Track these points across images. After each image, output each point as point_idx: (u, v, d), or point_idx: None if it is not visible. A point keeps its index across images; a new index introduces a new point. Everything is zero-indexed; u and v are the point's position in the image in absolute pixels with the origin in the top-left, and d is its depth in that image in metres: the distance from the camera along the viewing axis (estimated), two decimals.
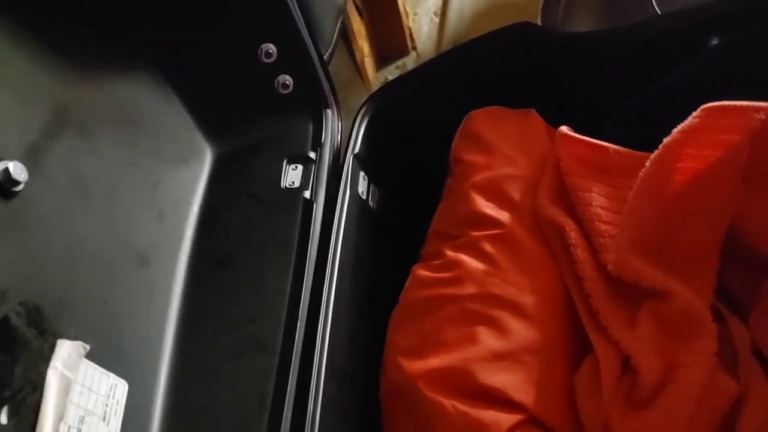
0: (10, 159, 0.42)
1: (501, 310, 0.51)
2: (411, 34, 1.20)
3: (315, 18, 0.62)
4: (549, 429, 0.48)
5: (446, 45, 1.24)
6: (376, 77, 1.17)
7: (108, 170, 0.50)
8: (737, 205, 0.49)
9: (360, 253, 0.58)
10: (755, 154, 0.47)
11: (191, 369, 0.50)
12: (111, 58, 0.55)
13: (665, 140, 0.49)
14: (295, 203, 0.57)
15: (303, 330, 0.51)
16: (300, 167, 0.59)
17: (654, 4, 0.66)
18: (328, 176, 0.60)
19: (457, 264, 0.53)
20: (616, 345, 0.48)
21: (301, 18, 0.59)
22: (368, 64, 1.13)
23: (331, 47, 0.68)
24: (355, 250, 0.58)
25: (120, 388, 0.45)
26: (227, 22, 0.58)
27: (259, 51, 0.59)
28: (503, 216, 0.55)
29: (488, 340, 0.49)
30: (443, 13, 1.27)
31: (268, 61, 0.60)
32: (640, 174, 0.49)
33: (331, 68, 0.66)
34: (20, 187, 0.42)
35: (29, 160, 0.43)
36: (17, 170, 0.42)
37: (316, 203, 0.57)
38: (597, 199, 0.53)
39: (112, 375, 0.45)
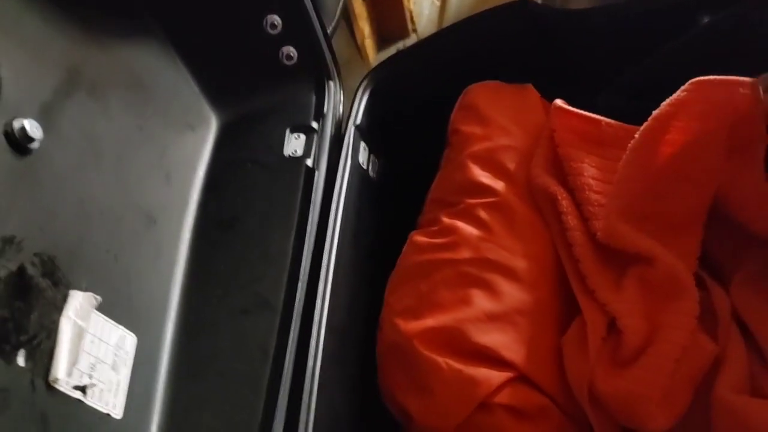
0: (26, 117, 0.43)
1: (494, 273, 0.52)
2: (411, 17, 1.21)
3: None
4: (538, 386, 0.50)
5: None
6: (376, 58, 1.18)
7: (118, 131, 0.52)
8: (722, 176, 0.51)
9: (360, 219, 0.60)
10: (739, 126, 0.49)
11: (197, 324, 0.52)
12: (121, 23, 0.56)
13: (654, 112, 0.51)
14: (298, 171, 0.59)
15: (304, 289, 0.53)
16: (303, 136, 0.61)
17: None
18: (330, 146, 0.61)
19: (452, 230, 0.55)
20: (602, 307, 0.50)
21: None
22: (369, 45, 1.14)
23: (334, 22, 0.70)
24: (356, 216, 0.60)
25: (129, 340, 0.48)
26: None
27: (265, 22, 0.61)
28: (498, 185, 0.57)
29: (482, 301, 0.51)
30: None
31: (273, 32, 0.61)
32: (630, 144, 0.51)
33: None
34: (35, 144, 0.44)
35: (43, 119, 0.45)
36: (33, 128, 0.43)
37: (318, 171, 0.59)
38: (588, 170, 0.55)
39: (121, 327, 0.47)
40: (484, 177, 0.57)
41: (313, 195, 0.58)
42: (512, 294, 0.52)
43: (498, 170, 0.57)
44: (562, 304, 0.53)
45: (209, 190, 0.59)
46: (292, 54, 0.62)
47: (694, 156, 0.50)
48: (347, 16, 1.06)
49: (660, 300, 0.49)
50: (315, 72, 0.64)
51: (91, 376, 0.43)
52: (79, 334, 0.43)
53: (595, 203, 0.53)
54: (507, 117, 0.61)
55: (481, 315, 0.51)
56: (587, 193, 0.53)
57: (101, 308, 0.45)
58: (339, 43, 1.05)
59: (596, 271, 0.51)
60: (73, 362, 0.42)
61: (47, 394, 0.40)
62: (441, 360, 0.49)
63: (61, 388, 0.41)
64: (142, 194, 0.53)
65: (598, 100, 0.59)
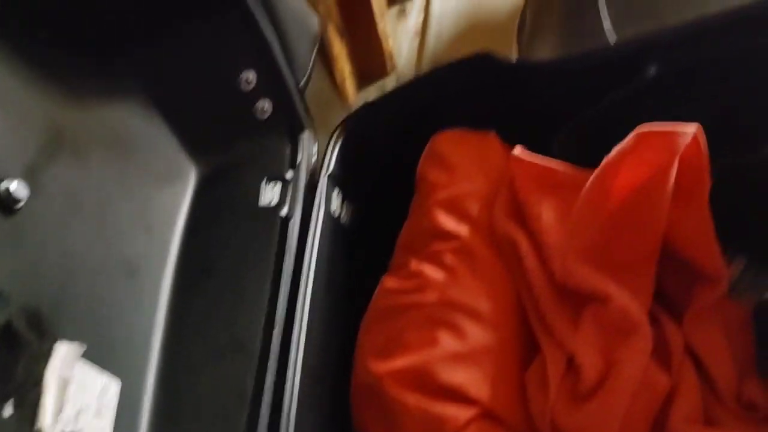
0: (12, 178, 0.46)
1: (459, 315, 0.55)
2: (391, 56, 1.23)
3: (292, 47, 0.66)
4: (502, 421, 0.53)
5: (425, 65, 1.28)
6: (357, 97, 1.20)
7: (100, 187, 0.54)
8: (670, 218, 0.54)
9: (333, 264, 0.63)
10: (681, 173, 0.52)
11: (177, 369, 0.54)
12: (101, 83, 0.59)
13: (605, 159, 0.53)
14: (273, 220, 0.61)
15: (280, 334, 0.55)
16: (278, 186, 0.64)
17: (605, 32, 0.71)
18: (304, 194, 0.64)
19: (419, 274, 0.58)
20: (561, 345, 0.53)
21: (279, 48, 0.63)
22: (349, 84, 1.17)
23: (308, 73, 0.73)
24: (328, 262, 0.62)
25: (113, 386, 0.50)
26: (210, 52, 0.63)
27: (240, 78, 0.64)
28: (462, 230, 0.60)
29: (448, 342, 0.54)
30: (423, 34, 1.31)
31: (248, 87, 0.64)
32: (583, 190, 0.54)
33: (312, 89, 0.70)
34: (21, 204, 0.46)
35: (29, 178, 0.47)
36: (19, 189, 0.46)
37: (293, 219, 0.62)
38: (546, 213, 0.57)
39: (105, 373, 0.49)
40: (448, 223, 0.60)
41: (288, 242, 0.60)
42: (477, 334, 0.54)
43: (462, 216, 0.60)
44: (524, 343, 0.56)
45: (188, 240, 0.61)
46: (266, 108, 0.65)
47: (642, 200, 0.53)
48: (327, 57, 1.09)
49: (615, 337, 0.52)
50: (289, 124, 0.67)
51: (76, 423, 0.45)
52: (64, 384, 0.45)
53: (553, 246, 0.56)
54: (470, 164, 0.64)
55: (448, 355, 0.53)
56: (545, 235, 0.56)
57: (85, 355, 0.47)
58: (319, 83, 1.07)
59: (554, 311, 0.54)
60: (59, 411, 0.44)
61: None
62: (409, 399, 0.52)
63: None
64: (123, 246, 0.55)
65: (553, 146, 0.62)
